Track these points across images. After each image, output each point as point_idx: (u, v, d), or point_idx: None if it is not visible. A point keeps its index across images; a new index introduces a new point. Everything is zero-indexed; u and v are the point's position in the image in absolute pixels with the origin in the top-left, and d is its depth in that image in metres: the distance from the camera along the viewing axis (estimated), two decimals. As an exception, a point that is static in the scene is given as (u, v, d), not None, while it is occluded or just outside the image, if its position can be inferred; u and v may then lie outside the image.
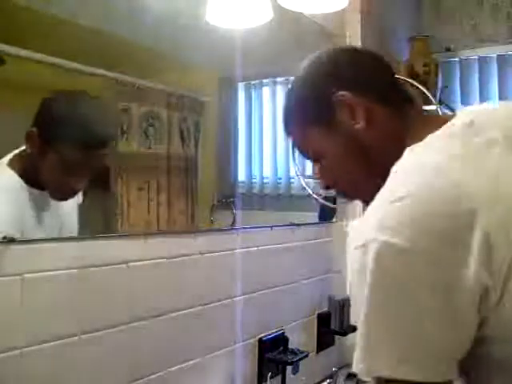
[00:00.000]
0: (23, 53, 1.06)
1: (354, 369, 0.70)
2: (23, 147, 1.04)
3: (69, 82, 1.18)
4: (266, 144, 2.00)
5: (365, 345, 0.69)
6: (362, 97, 0.85)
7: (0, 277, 0.94)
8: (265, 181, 1.99)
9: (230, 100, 1.80)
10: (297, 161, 2.08)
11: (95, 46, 1.23)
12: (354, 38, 2.14)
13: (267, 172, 2.01)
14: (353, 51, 0.96)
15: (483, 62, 2.80)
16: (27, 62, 1.09)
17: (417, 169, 0.71)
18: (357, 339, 0.70)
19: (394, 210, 0.67)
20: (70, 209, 1.15)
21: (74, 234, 1.15)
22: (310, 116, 0.91)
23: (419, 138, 0.76)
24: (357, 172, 0.90)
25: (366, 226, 0.69)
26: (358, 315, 0.70)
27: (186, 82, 1.50)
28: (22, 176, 1.03)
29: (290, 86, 0.98)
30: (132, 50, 1.34)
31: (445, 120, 0.78)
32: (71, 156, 1.02)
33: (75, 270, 1.06)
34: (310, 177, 2.16)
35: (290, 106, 0.95)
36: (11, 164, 1.02)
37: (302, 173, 2.10)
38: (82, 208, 1.20)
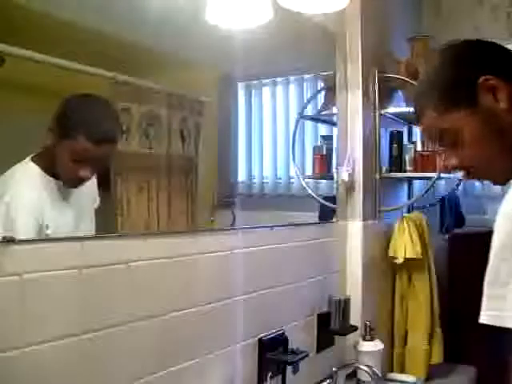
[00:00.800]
0: (23, 53, 1.06)
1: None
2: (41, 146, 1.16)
3: (69, 81, 1.18)
4: (266, 144, 2.00)
5: None
6: (504, 81, 0.92)
7: (0, 277, 0.93)
8: (265, 181, 1.99)
9: (229, 100, 1.80)
10: (297, 161, 2.08)
11: (95, 45, 1.23)
12: (354, 37, 2.14)
13: (267, 172, 2.01)
14: (486, 41, 1.03)
15: (483, 61, 2.80)
16: (27, 62, 1.09)
17: None
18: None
19: None
20: (89, 206, 1.30)
21: (91, 228, 1.26)
22: (453, 99, 0.96)
23: None
24: (494, 153, 0.95)
25: None
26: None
27: (186, 81, 1.50)
28: (44, 169, 1.17)
29: (423, 73, 1.05)
30: (132, 50, 1.33)
31: None
32: (81, 148, 1.17)
33: (75, 270, 1.06)
34: (309, 177, 2.17)
35: (429, 91, 1.00)
36: (34, 159, 1.15)
37: (301, 173, 2.10)
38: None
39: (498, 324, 0.79)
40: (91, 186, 1.27)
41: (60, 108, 1.17)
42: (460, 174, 1.06)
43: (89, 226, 1.27)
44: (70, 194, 1.24)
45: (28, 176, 1.16)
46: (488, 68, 0.94)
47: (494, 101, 0.92)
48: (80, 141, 1.17)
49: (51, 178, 1.18)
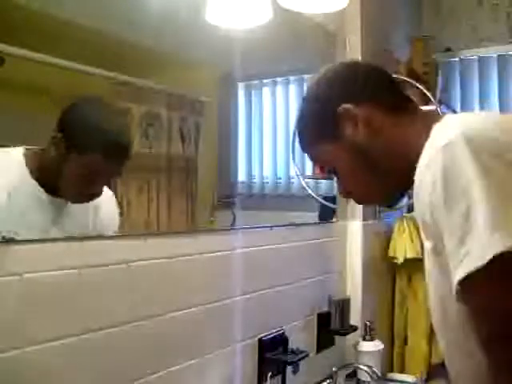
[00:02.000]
0: (23, 53, 1.06)
1: (484, 242, 0.69)
2: (38, 147, 1.08)
3: (69, 81, 1.18)
4: (266, 144, 2.00)
5: (495, 218, 0.69)
6: (364, 107, 0.92)
7: (0, 277, 0.94)
8: (265, 181, 1.99)
9: (229, 100, 1.80)
10: (297, 161, 2.08)
11: (95, 45, 1.23)
12: (354, 37, 2.14)
13: (267, 172, 2.01)
14: (351, 65, 1.04)
15: (483, 62, 2.81)
16: (27, 61, 1.09)
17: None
18: (477, 220, 0.70)
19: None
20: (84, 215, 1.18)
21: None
22: (318, 132, 0.98)
23: (423, 132, 0.84)
24: (368, 180, 0.96)
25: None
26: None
27: (186, 81, 1.50)
28: (37, 179, 1.06)
29: (299, 106, 1.04)
30: (132, 50, 1.33)
31: (439, 115, 0.88)
32: (94, 162, 1.07)
33: (75, 270, 1.06)
34: (309, 177, 2.17)
35: (300, 126, 1.03)
36: (27, 162, 1.05)
37: (301, 173, 2.10)
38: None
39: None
40: (109, 205, 1.18)
41: (67, 115, 1.06)
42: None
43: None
44: (63, 207, 1.11)
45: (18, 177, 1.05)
46: (347, 97, 0.93)
47: (353, 130, 0.92)
48: (93, 155, 1.06)
49: (43, 191, 1.06)
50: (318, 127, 0.97)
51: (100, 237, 1.15)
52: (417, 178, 0.81)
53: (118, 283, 1.16)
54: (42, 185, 1.07)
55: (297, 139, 1.05)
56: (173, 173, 1.48)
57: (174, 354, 1.29)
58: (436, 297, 0.88)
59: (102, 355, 1.12)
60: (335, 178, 1.03)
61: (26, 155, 1.06)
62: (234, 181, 1.80)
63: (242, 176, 1.88)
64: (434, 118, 0.87)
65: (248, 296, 1.54)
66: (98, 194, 1.12)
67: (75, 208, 1.14)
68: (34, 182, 1.06)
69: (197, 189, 1.54)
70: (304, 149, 1.04)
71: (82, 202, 1.13)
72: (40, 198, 1.08)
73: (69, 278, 1.05)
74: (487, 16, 2.84)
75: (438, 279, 0.85)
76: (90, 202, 1.14)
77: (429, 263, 0.87)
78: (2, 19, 1.02)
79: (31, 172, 1.06)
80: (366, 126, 0.92)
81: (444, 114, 0.94)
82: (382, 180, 0.95)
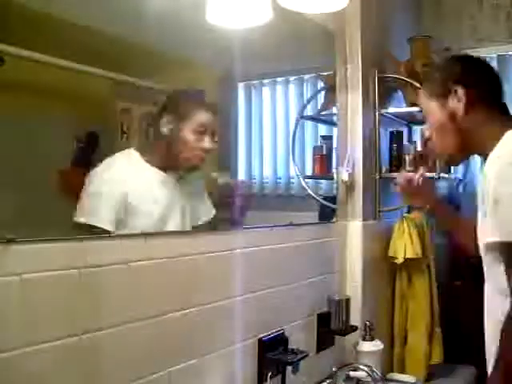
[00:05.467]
0: (23, 53, 1.06)
1: None
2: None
3: (69, 82, 1.19)
4: (266, 144, 2.01)
5: None
6: (470, 94, 1.31)
7: (0, 277, 0.93)
8: (265, 181, 2.00)
9: (230, 100, 1.80)
10: (297, 161, 2.08)
11: (95, 45, 1.23)
12: (354, 37, 2.14)
13: (267, 172, 2.01)
14: (476, 59, 1.41)
15: (483, 62, 2.80)
16: (27, 62, 1.09)
17: None
18: None
19: None
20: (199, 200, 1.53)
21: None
22: (434, 92, 1.38)
23: (500, 132, 1.26)
24: (448, 137, 1.37)
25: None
26: None
27: (186, 81, 1.50)
28: (154, 164, 1.36)
29: (431, 67, 1.62)
30: (132, 50, 1.34)
31: None
32: (203, 118, 1.42)
33: (75, 270, 1.06)
34: (309, 177, 2.17)
35: (427, 80, 1.46)
36: (141, 154, 1.34)
37: (301, 173, 2.10)
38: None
39: None
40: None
41: (170, 97, 1.42)
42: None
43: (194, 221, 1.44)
44: (179, 186, 1.42)
45: (140, 169, 1.33)
46: (464, 81, 1.32)
47: (456, 106, 1.32)
48: (200, 114, 1.40)
49: (160, 171, 1.36)
50: (436, 88, 1.37)
51: (100, 237, 1.15)
52: (488, 162, 1.24)
53: (118, 283, 1.16)
54: (159, 168, 1.36)
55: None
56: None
57: (174, 353, 1.29)
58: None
59: (101, 355, 1.12)
60: (425, 125, 1.47)
61: (138, 149, 1.33)
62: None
63: (242, 176, 1.88)
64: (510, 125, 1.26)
65: (248, 296, 1.54)
66: (213, 147, 1.42)
67: (190, 180, 1.46)
68: (152, 168, 1.35)
69: (197, 189, 1.54)
70: (420, 97, 1.45)
71: (198, 163, 1.44)
72: (160, 178, 1.37)
73: (69, 278, 1.05)
74: (487, 16, 2.83)
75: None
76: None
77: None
78: (2, 19, 1.02)
79: (147, 161, 1.34)
80: (465, 107, 1.31)
81: None
82: (457, 144, 1.35)
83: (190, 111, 1.40)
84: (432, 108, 1.37)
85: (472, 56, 1.43)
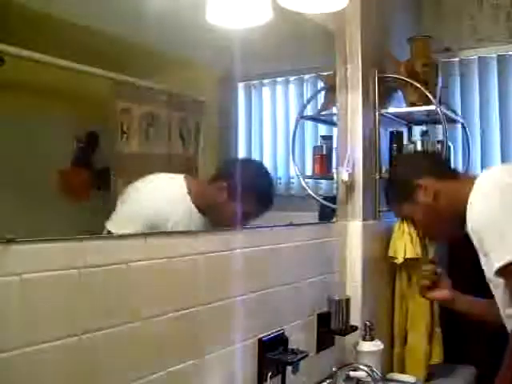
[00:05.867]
0: (23, 53, 1.06)
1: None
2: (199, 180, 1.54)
3: (69, 82, 1.19)
4: (266, 144, 2.00)
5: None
6: (430, 180, 1.49)
7: (0, 277, 0.93)
8: (265, 181, 1.99)
9: (230, 100, 1.80)
10: (297, 161, 2.08)
11: (95, 45, 1.23)
12: (354, 37, 2.14)
13: (267, 172, 2.01)
14: (422, 153, 1.80)
15: (483, 62, 2.80)
16: (27, 61, 1.09)
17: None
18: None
19: None
20: None
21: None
22: (401, 197, 1.59)
23: (467, 186, 1.36)
24: (437, 226, 1.53)
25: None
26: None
27: (186, 81, 1.50)
28: (192, 200, 1.44)
29: (388, 177, 1.78)
30: (132, 50, 1.34)
31: (476, 175, 1.40)
32: (247, 207, 1.50)
33: (75, 270, 1.06)
34: (309, 177, 2.17)
35: (389, 192, 1.71)
36: (187, 185, 1.44)
37: (301, 173, 2.10)
38: (82, 208, 1.21)
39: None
40: None
41: (231, 168, 1.53)
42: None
43: None
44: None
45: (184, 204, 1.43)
46: (423, 173, 1.51)
47: (427, 196, 1.50)
48: (247, 203, 1.48)
49: (195, 209, 1.43)
50: (401, 194, 1.58)
51: (100, 237, 1.15)
52: (469, 207, 1.32)
53: (118, 283, 1.16)
54: (197, 207, 1.44)
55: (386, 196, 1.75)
56: (173, 173, 1.48)
57: (174, 354, 1.29)
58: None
59: (101, 355, 1.12)
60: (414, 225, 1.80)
61: (186, 179, 1.44)
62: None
63: (241, 176, 1.88)
64: (474, 176, 1.38)
65: (248, 296, 1.54)
66: (246, 225, 1.54)
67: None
68: (189, 201, 1.44)
69: (197, 189, 1.54)
70: (391, 206, 1.70)
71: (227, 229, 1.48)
72: (191, 212, 1.45)
73: (69, 278, 1.05)
74: (487, 16, 2.83)
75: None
76: None
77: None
78: (2, 19, 1.02)
79: (189, 193, 1.44)
80: (433, 193, 1.47)
81: (476, 175, 1.41)
82: (446, 224, 1.48)
83: (241, 196, 1.48)
84: (409, 211, 1.56)
85: (406, 154, 1.73)
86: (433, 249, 2.27)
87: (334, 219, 2.08)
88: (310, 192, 2.09)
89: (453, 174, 1.56)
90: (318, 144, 2.21)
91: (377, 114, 2.23)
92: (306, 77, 2.13)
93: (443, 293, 1.71)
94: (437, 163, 1.61)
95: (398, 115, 2.43)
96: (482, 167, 2.79)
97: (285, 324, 1.69)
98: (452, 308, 1.73)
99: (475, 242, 1.31)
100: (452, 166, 1.72)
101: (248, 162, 1.71)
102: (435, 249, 2.30)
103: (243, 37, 1.58)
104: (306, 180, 2.11)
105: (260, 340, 1.57)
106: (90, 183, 1.26)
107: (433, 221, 1.52)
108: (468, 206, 1.33)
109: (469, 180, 1.39)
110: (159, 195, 1.40)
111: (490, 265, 1.26)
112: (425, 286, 1.73)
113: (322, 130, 2.27)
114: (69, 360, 1.05)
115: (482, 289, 1.44)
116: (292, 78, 2.10)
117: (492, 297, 1.41)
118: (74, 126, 1.22)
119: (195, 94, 1.55)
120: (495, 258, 1.24)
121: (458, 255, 2.56)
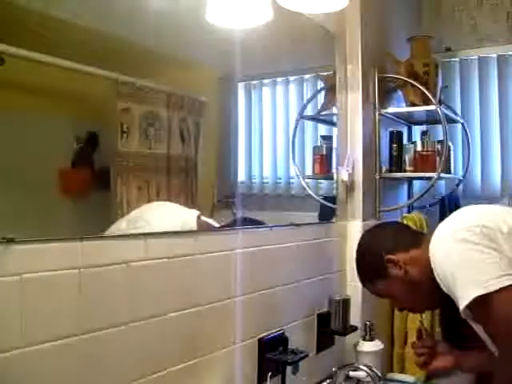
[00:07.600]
0: (23, 53, 1.06)
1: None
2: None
3: (69, 82, 1.19)
4: (266, 144, 2.00)
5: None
6: (399, 254, 1.43)
7: (0, 277, 0.93)
8: (265, 181, 1.99)
9: (229, 100, 1.80)
10: (297, 161, 2.08)
11: (95, 45, 1.23)
12: (354, 37, 2.14)
13: (267, 172, 2.01)
14: (386, 226, 1.64)
15: (483, 62, 2.80)
16: (27, 61, 1.09)
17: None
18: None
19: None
20: None
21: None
22: (373, 274, 1.50)
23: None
24: (414, 297, 1.45)
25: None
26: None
27: (186, 81, 1.50)
28: None
29: (356, 254, 1.57)
30: (132, 50, 1.34)
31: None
32: None
33: (75, 270, 1.06)
34: (309, 177, 2.17)
35: (359, 270, 1.55)
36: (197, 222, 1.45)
37: (301, 173, 2.10)
38: (82, 208, 1.21)
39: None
40: None
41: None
42: None
43: None
44: None
45: None
46: (391, 248, 1.45)
47: (398, 270, 1.43)
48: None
49: None
50: (372, 271, 1.49)
51: (100, 237, 1.15)
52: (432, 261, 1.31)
53: (118, 283, 1.16)
54: None
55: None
56: (173, 173, 1.48)
57: (174, 354, 1.29)
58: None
59: (101, 355, 1.12)
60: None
61: (198, 217, 1.45)
62: (234, 181, 1.80)
63: (242, 176, 1.88)
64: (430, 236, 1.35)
65: (248, 296, 1.54)
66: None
67: None
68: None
69: (197, 189, 1.54)
70: (363, 284, 1.55)
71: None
72: None
73: (69, 278, 1.05)
74: (487, 16, 2.83)
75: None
76: None
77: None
78: (2, 19, 1.02)
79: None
80: (404, 265, 1.42)
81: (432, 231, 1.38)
82: (424, 293, 1.40)
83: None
84: (383, 288, 1.48)
85: (370, 230, 1.59)
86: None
87: (334, 219, 2.08)
88: (310, 192, 2.09)
89: (416, 240, 1.46)
90: (318, 144, 2.21)
91: (377, 113, 2.24)
92: (306, 77, 2.13)
93: (446, 360, 1.57)
94: (401, 234, 1.52)
95: (398, 115, 2.43)
96: (482, 167, 2.79)
97: (285, 324, 1.69)
98: (462, 371, 1.59)
99: (446, 291, 1.28)
100: (414, 230, 1.69)
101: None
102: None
103: (243, 37, 1.58)
104: (306, 180, 2.11)
105: (260, 340, 1.57)
106: (89, 183, 1.26)
107: (410, 292, 1.43)
108: (431, 259, 1.31)
109: (429, 240, 1.36)
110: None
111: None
112: (421, 364, 1.60)
113: (322, 129, 2.27)
114: (69, 360, 1.05)
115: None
116: (292, 78, 2.10)
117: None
118: (74, 125, 1.22)
119: (195, 94, 1.55)
120: (460, 302, 1.22)
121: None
